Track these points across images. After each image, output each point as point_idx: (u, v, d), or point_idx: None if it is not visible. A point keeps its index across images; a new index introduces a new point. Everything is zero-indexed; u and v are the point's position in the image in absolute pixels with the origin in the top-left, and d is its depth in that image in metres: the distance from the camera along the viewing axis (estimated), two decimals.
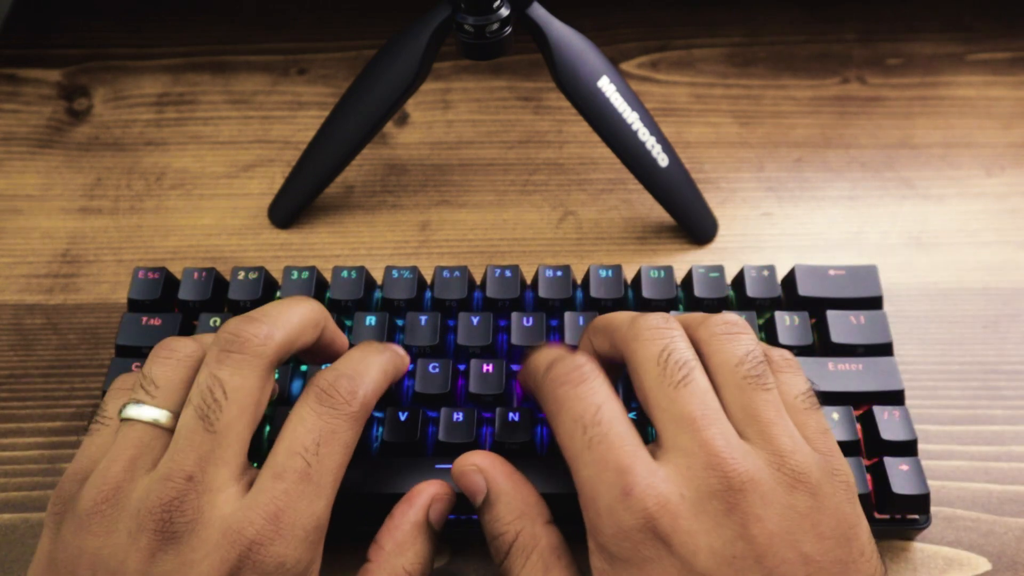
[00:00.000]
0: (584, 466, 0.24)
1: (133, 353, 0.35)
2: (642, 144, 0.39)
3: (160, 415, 0.25)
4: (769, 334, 0.35)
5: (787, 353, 0.28)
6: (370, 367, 0.28)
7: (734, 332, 0.26)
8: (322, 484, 0.25)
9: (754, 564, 0.22)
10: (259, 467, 0.25)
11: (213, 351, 0.26)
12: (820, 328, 0.35)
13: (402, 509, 0.28)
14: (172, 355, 0.26)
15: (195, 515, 0.23)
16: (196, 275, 0.37)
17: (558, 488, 0.30)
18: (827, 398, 0.33)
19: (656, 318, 0.27)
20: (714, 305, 0.36)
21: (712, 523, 0.23)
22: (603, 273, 0.36)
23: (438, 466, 0.31)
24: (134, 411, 0.25)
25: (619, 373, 0.32)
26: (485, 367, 0.34)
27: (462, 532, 0.32)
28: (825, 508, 0.24)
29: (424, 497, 0.28)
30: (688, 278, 0.37)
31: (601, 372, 0.26)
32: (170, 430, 0.25)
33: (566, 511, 0.27)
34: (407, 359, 0.31)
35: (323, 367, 0.29)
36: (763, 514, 0.23)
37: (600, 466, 0.24)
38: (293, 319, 0.27)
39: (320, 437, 0.25)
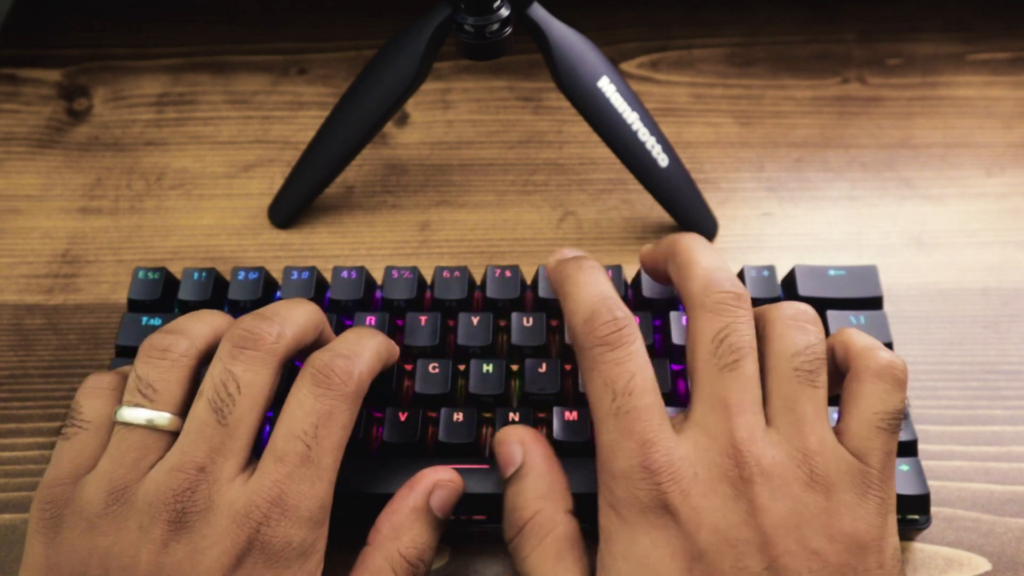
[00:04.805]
0: (608, 431, 0.25)
1: (133, 353, 0.35)
2: (642, 144, 0.39)
3: (159, 417, 0.26)
4: None
5: (900, 365, 0.26)
6: (365, 348, 0.28)
7: (801, 322, 0.26)
8: (323, 466, 0.25)
9: (756, 551, 0.23)
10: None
11: (226, 347, 0.26)
12: None
13: (402, 493, 0.28)
14: (166, 355, 0.26)
15: (206, 504, 0.24)
16: (196, 275, 0.37)
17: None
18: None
19: (729, 289, 0.26)
20: None
21: (720, 504, 0.23)
22: None
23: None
24: (131, 414, 0.26)
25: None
26: (485, 367, 0.34)
27: (462, 532, 0.32)
28: (842, 514, 0.24)
29: (426, 482, 0.28)
30: None
31: (638, 335, 0.26)
32: (169, 432, 0.26)
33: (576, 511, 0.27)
34: (397, 348, 0.31)
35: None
36: (771, 505, 0.23)
37: (623, 434, 0.24)
38: (300, 319, 0.28)
39: (318, 420, 0.25)
